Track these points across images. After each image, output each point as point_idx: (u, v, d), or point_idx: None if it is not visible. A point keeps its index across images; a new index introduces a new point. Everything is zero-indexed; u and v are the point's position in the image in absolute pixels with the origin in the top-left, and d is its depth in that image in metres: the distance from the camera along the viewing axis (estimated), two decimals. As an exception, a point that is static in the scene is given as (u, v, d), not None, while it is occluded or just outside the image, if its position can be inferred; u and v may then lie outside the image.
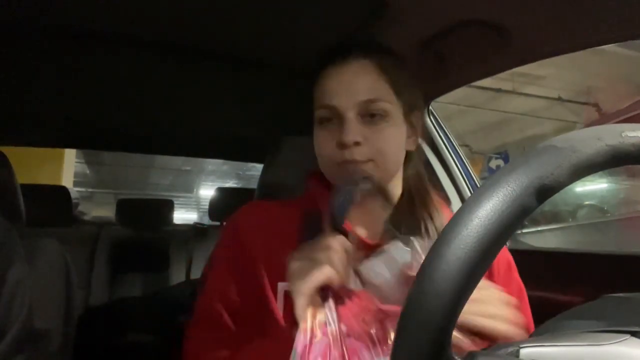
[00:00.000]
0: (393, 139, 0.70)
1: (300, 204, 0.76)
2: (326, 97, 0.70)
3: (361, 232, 0.69)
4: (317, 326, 0.53)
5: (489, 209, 0.28)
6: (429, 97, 1.28)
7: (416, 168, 0.78)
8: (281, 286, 0.66)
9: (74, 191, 2.86)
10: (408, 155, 0.75)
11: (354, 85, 0.68)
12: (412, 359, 0.27)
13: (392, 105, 0.69)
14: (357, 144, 0.67)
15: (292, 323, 0.56)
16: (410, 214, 0.72)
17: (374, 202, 0.71)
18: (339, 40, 0.77)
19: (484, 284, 0.60)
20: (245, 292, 0.69)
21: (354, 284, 0.61)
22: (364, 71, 0.69)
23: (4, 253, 0.62)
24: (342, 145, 0.67)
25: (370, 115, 0.68)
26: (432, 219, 0.72)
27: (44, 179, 2.89)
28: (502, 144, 7.64)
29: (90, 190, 9.62)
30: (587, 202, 4.51)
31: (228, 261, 0.73)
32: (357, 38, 0.77)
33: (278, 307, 0.66)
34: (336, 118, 0.69)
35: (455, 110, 5.99)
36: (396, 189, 0.75)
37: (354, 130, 0.67)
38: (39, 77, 1.17)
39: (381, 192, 0.73)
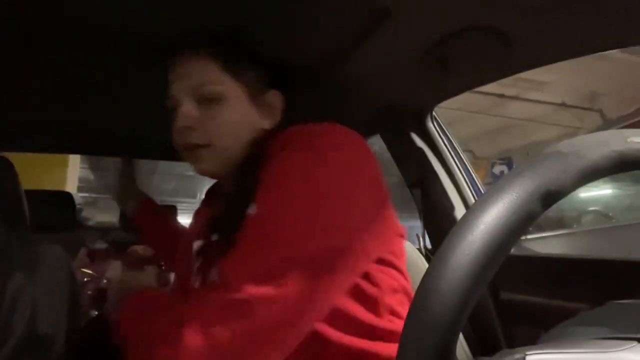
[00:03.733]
0: (232, 121, 0.70)
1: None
2: (168, 88, 0.74)
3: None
4: None
5: (494, 215, 0.28)
6: (432, 103, 1.28)
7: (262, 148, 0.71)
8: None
9: (78, 197, 2.87)
10: (271, 136, 0.71)
11: (186, 72, 0.71)
12: (417, 365, 0.27)
13: (230, 88, 0.70)
14: (188, 127, 0.69)
15: None
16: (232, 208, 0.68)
17: None
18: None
19: None
20: None
21: None
22: (195, 58, 0.71)
23: (5, 261, 0.62)
24: (177, 131, 0.71)
25: (207, 100, 0.70)
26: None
27: (48, 184, 2.91)
28: (505, 149, 7.62)
29: (94, 195, 9.64)
30: (591, 208, 4.49)
31: None
32: (195, 29, 0.78)
33: None
34: (177, 106, 0.72)
35: (458, 116, 5.99)
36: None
37: (186, 114, 0.69)
38: (43, 83, 1.18)
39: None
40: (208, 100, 0.70)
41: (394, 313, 0.65)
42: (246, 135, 0.72)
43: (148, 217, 1.14)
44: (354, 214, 0.57)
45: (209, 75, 0.70)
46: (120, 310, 0.65)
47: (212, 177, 0.78)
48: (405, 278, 0.71)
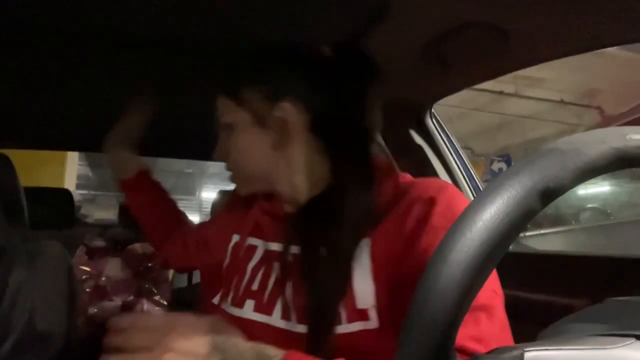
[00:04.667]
0: (243, 149, 0.72)
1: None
2: None
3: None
4: None
5: (493, 212, 0.28)
6: (431, 100, 1.29)
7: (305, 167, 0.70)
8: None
9: (77, 194, 2.87)
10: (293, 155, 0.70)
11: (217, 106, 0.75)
12: (416, 362, 0.27)
13: (236, 117, 0.71)
14: (223, 158, 0.75)
15: None
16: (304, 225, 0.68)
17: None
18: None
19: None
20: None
21: None
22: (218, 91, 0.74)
23: (5, 257, 0.62)
24: None
25: (225, 131, 0.74)
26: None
27: (46, 181, 2.90)
28: (504, 146, 7.63)
29: (92, 192, 9.64)
30: (590, 205, 4.49)
31: None
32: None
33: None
34: None
35: (457, 113, 5.99)
36: (297, 194, 0.71)
37: (218, 147, 0.76)
38: (41, 80, 1.18)
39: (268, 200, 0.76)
40: (226, 132, 0.73)
41: None
42: (263, 158, 0.70)
43: (144, 187, 1.04)
44: None
45: (222, 107, 0.73)
46: None
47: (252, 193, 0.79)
48: None
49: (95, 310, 1.29)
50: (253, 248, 0.75)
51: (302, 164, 0.70)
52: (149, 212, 1.01)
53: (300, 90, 0.68)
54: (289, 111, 0.67)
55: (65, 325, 0.74)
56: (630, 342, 0.30)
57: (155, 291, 1.43)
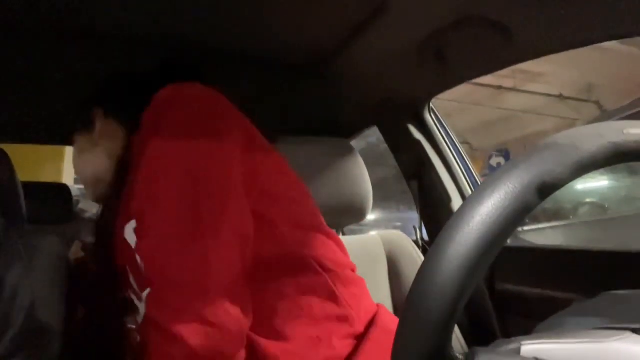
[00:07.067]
0: (75, 155, 0.86)
1: None
2: None
3: None
4: None
5: (490, 206, 0.28)
6: (430, 95, 1.28)
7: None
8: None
9: (75, 189, 2.86)
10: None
11: None
12: (413, 356, 0.28)
13: (77, 134, 0.86)
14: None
15: None
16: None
17: None
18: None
19: None
20: None
21: None
22: None
23: (4, 253, 0.62)
24: None
25: None
26: None
27: (45, 176, 2.90)
28: (503, 141, 7.63)
29: (91, 187, 9.60)
30: (588, 200, 4.49)
31: None
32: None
33: None
34: None
35: (456, 108, 5.98)
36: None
37: None
38: (39, 75, 1.17)
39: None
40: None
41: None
42: (86, 156, 0.85)
43: None
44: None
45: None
46: None
47: None
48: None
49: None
50: None
51: (109, 150, 0.79)
52: None
53: (114, 97, 0.83)
54: (98, 112, 0.82)
55: (63, 322, 0.74)
56: (625, 335, 0.30)
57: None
